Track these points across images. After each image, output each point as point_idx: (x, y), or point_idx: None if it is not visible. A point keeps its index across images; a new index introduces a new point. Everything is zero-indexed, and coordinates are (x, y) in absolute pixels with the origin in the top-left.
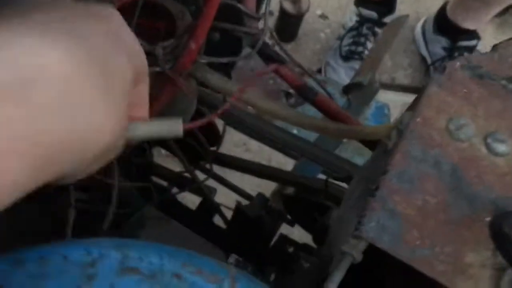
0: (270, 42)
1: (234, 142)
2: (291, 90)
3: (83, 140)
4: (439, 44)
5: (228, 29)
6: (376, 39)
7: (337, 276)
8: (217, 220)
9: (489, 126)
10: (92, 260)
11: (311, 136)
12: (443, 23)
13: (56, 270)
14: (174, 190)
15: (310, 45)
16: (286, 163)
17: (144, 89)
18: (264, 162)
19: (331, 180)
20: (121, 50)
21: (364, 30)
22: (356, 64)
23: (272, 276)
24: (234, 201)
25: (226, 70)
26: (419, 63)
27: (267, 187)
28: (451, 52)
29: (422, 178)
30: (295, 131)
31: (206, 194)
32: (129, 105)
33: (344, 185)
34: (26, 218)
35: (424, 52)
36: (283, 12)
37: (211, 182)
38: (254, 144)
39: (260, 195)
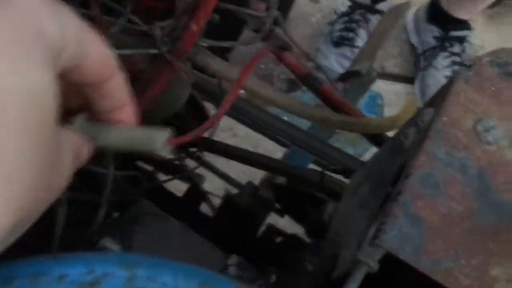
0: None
1: (221, 127)
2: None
3: None
4: (431, 33)
5: (231, 11)
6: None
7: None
8: (204, 208)
9: None
10: (94, 279)
11: (303, 123)
12: (436, 12)
13: None
14: (162, 177)
15: (300, 29)
16: (274, 151)
17: (118, 83)
18: (250, 148)
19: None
20: (36, 46)
21: (356, 16)
22: (347, 51)
23: (273, 278)
24: (220, 188)
25: (223, 54)
26: (409, 52)
27: (253, 174)
28: (442, 42)
29: (448, 183)
30: (285, 118)
31: (195, 182)
32: (104, 112)
33: (339, 177)
34: None
35: (414, 40)
36: None
37: (200, 169)
38: (241, 129)
39: (250, 184)
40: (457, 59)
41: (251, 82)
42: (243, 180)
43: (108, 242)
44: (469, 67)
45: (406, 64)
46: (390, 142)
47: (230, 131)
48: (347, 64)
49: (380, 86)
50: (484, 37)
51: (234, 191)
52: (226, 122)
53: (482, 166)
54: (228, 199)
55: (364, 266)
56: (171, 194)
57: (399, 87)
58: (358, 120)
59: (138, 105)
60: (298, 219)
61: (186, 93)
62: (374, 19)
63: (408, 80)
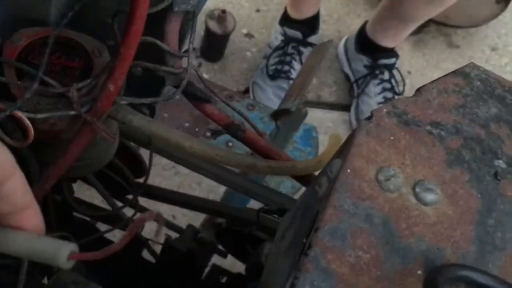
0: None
1: (163, 165)
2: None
3: None
4: (361, 62)
5: (149, 68)
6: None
7: None
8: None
9: (417, 174)
10: None
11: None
12: (363, 42)
13: None
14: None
15: (237, 64)
16: (218, 186)
17: (16, 185)
18: (194, 184)
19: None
20: None
21: (290, 50)
22: (283, 83)
23: None
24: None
25: (150, 104)
26: (343, 80)
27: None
28: (372, 70)
29: (354, 233)
30: None
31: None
32: (2, 215)
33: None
34: None
35: (347, 70)
36: (208, 32)
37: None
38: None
39: (190, 227)
40: (388, 85)
41: (174, 136)
42: (185, 221)
43: None
44: (369, 118)
45: (341, 92)
46: (311, 187)
47: (173, 169)
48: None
49: (317, 114)
50: (412, 63)
51: (175, 235)
52: (168, 160)
53: (385, 214)
54: (168, 244)
55: None
56: (110, 243)
57: (335, 115)
58: (284, 164)
59: (60, 166)
60: (239, 257)
61: (113, 148)
62: (306, 51)
63: (344, 107)
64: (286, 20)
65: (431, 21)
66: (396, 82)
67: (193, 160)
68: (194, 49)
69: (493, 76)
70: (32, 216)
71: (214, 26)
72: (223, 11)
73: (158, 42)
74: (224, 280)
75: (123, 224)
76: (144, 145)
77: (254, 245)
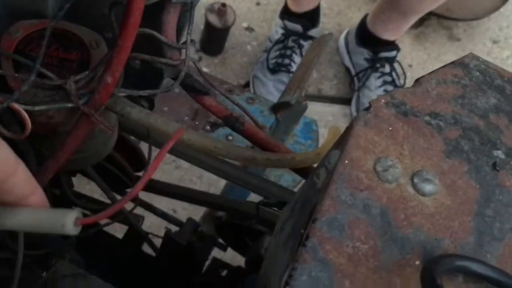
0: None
1: (164, 159)
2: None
3: None
4: (362, 56)
5: (147, 60)
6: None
7: None
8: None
9: (415, 165)
10: None
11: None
12: (364, 35)
13: None
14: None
15: (237, 58)
16: (219, 180)
17: (20, 177)
18: (195, 178)
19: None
20: None
21: (290, 43)
22: (283, 77)
23: None
24: (163, 226)
25: (148, 97)
26: (344, 74)
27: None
28: (373, 63)
29: (352, 224)
30: None
31: (133, 224)
32: (8, 204)
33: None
34: None
35: (347, 63)
36: (208, 25)
37: (138, 209)
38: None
39: (190, 221)
40: (388, 78)
41: (171, 128)
42: (186, 215)
43: None
44: (367, 109)
45: (341, 85)
46: (310, 179)
47: (173, 163)
48: None
49: (317, 108)
50: (413, 56)
51: (175, 228)
52: (169, 154)
53: (383, 205)
54: (168, 237)
55: None
56: (112, 237)
57: (336, 108)
58: (283, 156)
59: (58, 159)
60: (239, 250)
61: (112, 141)
62: (307, 45)
63: (345, 101)
64: (286, 13)
65: (432, 14)
66: (397, 75)
67: (192, 154)
68: (192, 40)
69: (492, 66)
70: (38, 200)
71: (214, 19)
72: (223, 5)
73: (155, 33)
74: (224, 273)
75: (122, 218)
76: (142, 138)
77: (253, 238)
